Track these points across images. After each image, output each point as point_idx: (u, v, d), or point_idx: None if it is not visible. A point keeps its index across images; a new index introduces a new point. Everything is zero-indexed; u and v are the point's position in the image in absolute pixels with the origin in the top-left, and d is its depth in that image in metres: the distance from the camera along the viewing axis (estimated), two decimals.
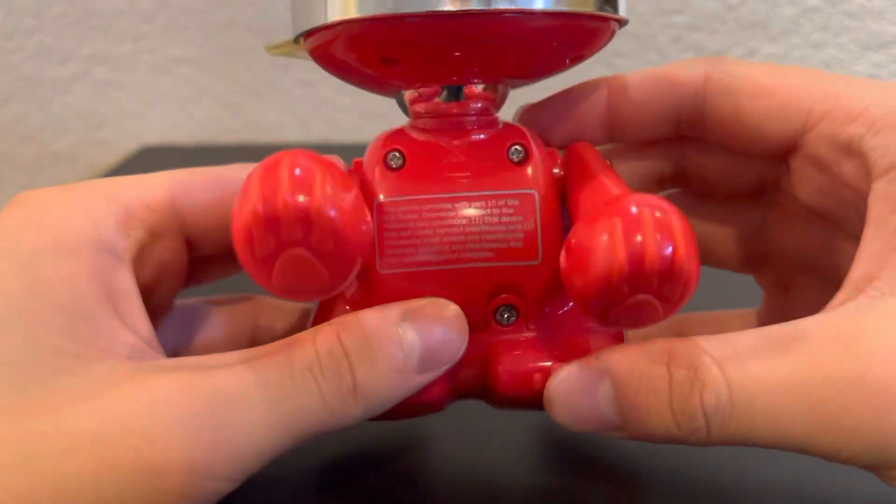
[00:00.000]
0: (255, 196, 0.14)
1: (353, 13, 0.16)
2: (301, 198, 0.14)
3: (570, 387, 0.17)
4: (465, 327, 0.17)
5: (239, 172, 0.20)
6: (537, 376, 0.18)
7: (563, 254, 0.16)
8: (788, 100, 0.19)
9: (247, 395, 0.15)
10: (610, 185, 0.18)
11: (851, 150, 0.18)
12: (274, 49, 0.20)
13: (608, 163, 0.19)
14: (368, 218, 0.16)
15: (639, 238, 0.14)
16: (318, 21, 0.17)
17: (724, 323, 0.23)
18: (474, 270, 0.18)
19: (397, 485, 0.21)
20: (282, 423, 0.15)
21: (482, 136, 0.19)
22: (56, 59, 0.54)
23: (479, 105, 0.19)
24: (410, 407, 0.18)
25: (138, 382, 0.15)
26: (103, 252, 0.17)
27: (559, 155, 0.19)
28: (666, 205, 0.15)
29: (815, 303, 0.18)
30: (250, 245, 0.14)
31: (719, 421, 0.15)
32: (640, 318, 0.15)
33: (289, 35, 0.19)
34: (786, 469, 0.21)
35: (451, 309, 0.17)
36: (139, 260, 0.18)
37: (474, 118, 0.19)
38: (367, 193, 0.18)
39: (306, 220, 0.14)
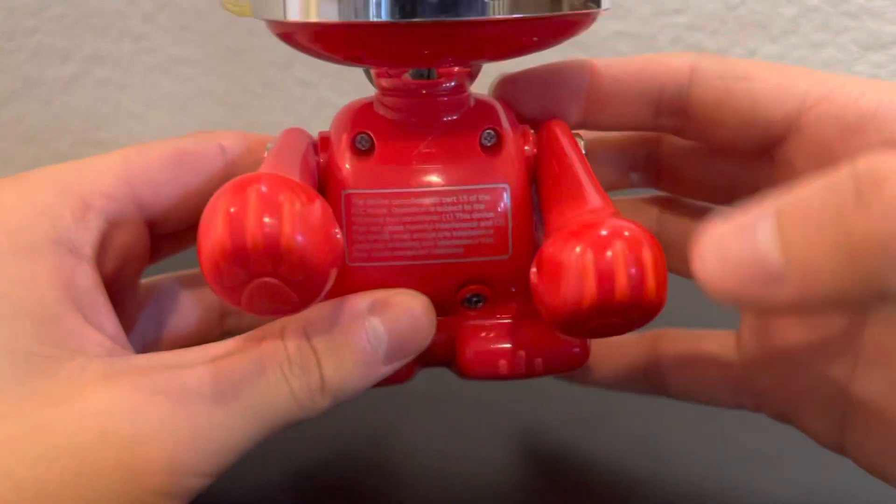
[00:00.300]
0: (221, 228, 0.14)
1: (312, 17, 0.15)
2: (269, 231, 0.13)
3: (724, 232, 0.13)
4: (433, 318, 0.17)
5: (193, 144, 0.19)
6: (502, 362, 0.18)
7: (534, 268, 0.16)
8: (783, 82, 0.18)
9: (220, 395, 0.15)
10: (586, 189, 0.17)
11: (855, 129, 0.17)
12: (230, 6, 0.19)
13: (581, 147, 0.19)
14: (339, 236, 0.15)
15: (610, 271, 0.14)
16: (276, 16, 0.16)
17: (700, 340, 0.22)
18: (444, 265, 0.18)
19: (367, 477, 0.21)
20: (255, 419, 0.16)
21: (454, 118, 0.18)
22: (56, 59, 0.54)
23: (452, 84, 0.18)
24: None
25: (113, 383, 0.15)
26: (63, 251, 0.17)
27: (531, 134, 0.19)
28: (639, 233, 0.15)
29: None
30: (219, 275, 0.14)
31: (830, 225, 0.12)
32: (604, 334, 0.15)
33: None
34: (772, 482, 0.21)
35: (419, 300, 0.17)
36: (101, 251, 0.18)
37: (446, 98, 0.18)
38: (335, 178, 0.18)
39: (275, 254, 0.14)
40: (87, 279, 0.17)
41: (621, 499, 0.21)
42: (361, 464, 0.22)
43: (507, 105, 0.19)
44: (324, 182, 0.18)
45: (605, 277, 0.14)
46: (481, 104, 0.19)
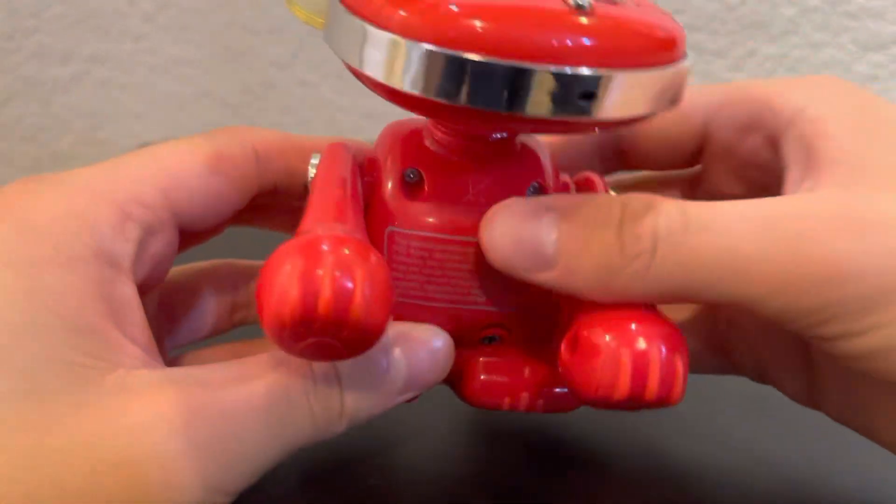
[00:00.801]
0: (295, 294, 0.14)
1: (394, 82, 0.15)
2: (341, 304, 0.14)
3: (516, 207, 0.16)
4: (452, 355, 0.18)
5: (227, 147, 0.19)
6: (506, 399, 0.19)
7: (565, 345, 0.17)
8: (687, 102, 0.20)
9: (252, 418, 0.16)
10: None
11: (751, 125, 0.20)
12: (298, 12, 0.18)
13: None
14: (393, 298, 0.15)
15: (644, 374, 0.15)
16: (351, 62, 0.16)
17: (674, 311, 0.24)
18: (472, 311, 0.18)
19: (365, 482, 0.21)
20: (278, 442, 0.16)
21: (502, 163, 0.18)
22: (56, 59, 0.54)
23: (505, 134, 0.18)
24: None
25: (156, 400, 0.15)
26: (103, 263, 0.17)
27: (571, 187, 0.20)
28: (671, 335, 0.16)
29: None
30: (281, 332, 0.14)
31: (668, 245, 0.15)
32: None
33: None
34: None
35: (442, 338, 0.18)
36: (137, 260, 0.18)
37: (497, 145, 0.18)
38: (380, 209, 0.18)
39: (343, 323, 0.14)
40: (125, 292, 0.17)
41: (624, 498, 0.21)
42: (362, 463, 0.22)
43: (550, 156, 0.19)
44: (367, 204, 0.18)
45: (639, 377, 0.15)
46: (528, 152, 0.19)
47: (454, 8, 0.14)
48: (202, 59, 0.53)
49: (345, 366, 0.16)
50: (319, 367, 0.16)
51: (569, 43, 0.14)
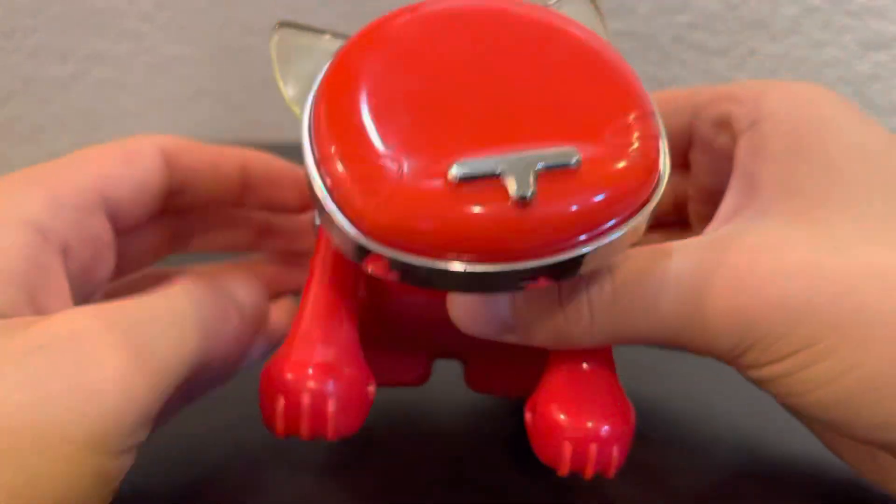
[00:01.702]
0: (280, 420, 0.18)
1: (351, 258, 0.16)
2: (318, 430, 0.18)
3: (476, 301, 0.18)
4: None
5: (139, 146, 0.21)
6: (502, 387, 0.21)
7: (528, 412, 0.19)
8: (678, 100, 0.22)
9: (158, 319, 0.17)
10: None
11: (723, 122, 0.21)
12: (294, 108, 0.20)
13: None
14: (371, 397, 0.19)
15: (583, 462, 0.18)
16: (337, 231, 0.16)
17: None
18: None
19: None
20: (179, 343, 0.17)
21: None
22: (55, 59, 0.53)
23: None
24: (396, 382, 0.22)
25: (49, 320, 0.16)
26: (32, 231, 0.17)
27: None
28: (615, 431, 0.18)
29: None
30: (272, 432, 0.18)
31: (602, 308, 0.17)
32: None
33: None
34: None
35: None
36: (72, 239, 0.19)
37: None
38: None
39: (322, 437, 0.18)
40: (54, 263, 0.18)
41: (625, 498, 0.20)
42: (364, 462, 0.21)
43: None
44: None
45: (578, 463, 0.18)
46: None
47: (405, 211, 0.15)
48: (201, 59, 0.53)
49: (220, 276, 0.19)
50: (193, 279, 0.18)
51: (508, 243, 0.15)
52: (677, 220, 0.25)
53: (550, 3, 0.20)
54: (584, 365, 0.19)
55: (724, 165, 0.21)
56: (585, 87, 0.17)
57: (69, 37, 0.53)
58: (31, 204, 0.18)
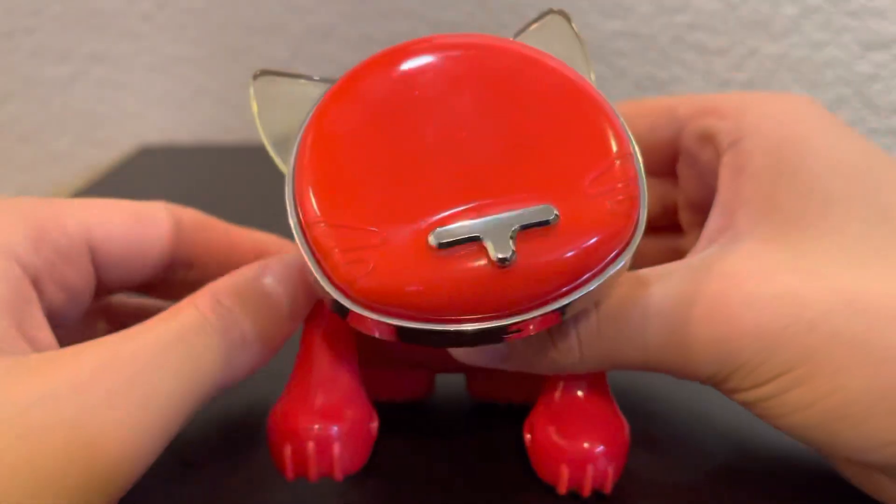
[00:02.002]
0: (288, 466, 0.19)
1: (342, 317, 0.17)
2: (325, 474, 0.19)
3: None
4: None
5: (154, 211, 0.21)
6: (502, 396, 0.22)
7: (527, 434, 0.20)
8: (664, 111, 0.23)
9: (155, 366, 0.16)
10: None
11: (707, 137, 0.21)
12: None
13: None
14: (374, 434, 0.20)
15: (580, 483, 0.19)
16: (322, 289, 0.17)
17: None
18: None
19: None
20: (189, 382, 0.16)
21: None
22: (55, 59, 0.53)
23: None
24: (401, 398, 0.23)
25: (53, 369, 0.15)
26: (11, 260, 0.17)
27: None
28: (610, 451, 0.19)
29: None
30: (283, 473, 0.19)
31: (589, 340, 0.18)
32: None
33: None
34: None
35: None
36: (48, 279, 0.18)
37: None
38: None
39: (330, 477, 0.19)
40: (30, 292, 0.18)
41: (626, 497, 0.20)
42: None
43: None
44: None
45: (575, 482, 0.19)
46: None
47: (388, 279, 0.16)
48: (201, 59, 0.53)
49: (230, 300, 0.18)
50: (204, 303, 0.17)
51: (491, 304, 0.16)
52: (668, 224, 0.25)
53: (531, 28, 0.19)
54: (579, 384, 0.20)
55: (709, 179, 0.21)
56: (562, 133, 0.17)
57: (69, 37, 0.53)
58: (13, 232, 0.18)
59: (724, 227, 0.19)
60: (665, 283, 0.18)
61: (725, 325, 0.17)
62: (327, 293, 0.16)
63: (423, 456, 0.22)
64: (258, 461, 0.21)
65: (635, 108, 0.23)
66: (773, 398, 0.17)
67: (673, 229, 0.25)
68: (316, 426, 0.18)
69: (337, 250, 0.16)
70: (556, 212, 0.16)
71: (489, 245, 0.15)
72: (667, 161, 0.23)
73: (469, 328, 0.16)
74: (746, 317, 0.17)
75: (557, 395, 0.20)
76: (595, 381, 0.20)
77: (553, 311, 0.16)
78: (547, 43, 0.19)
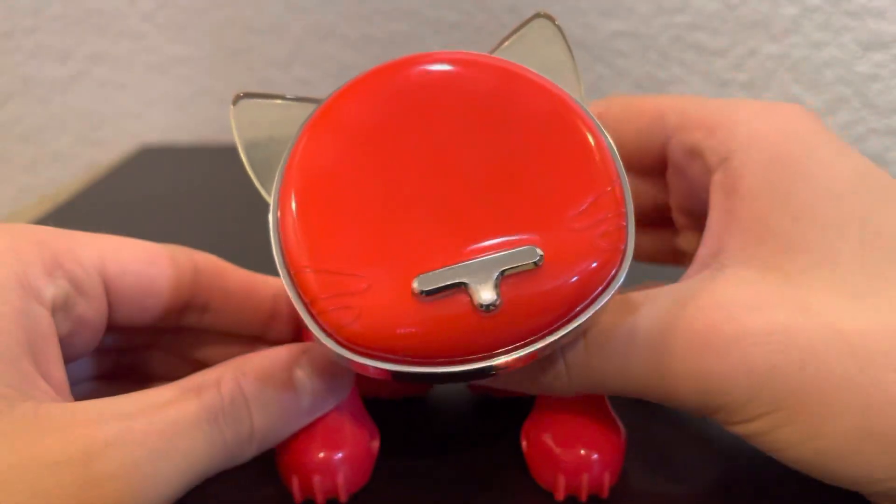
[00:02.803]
0: (296, 491, 0.19)
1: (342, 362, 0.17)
2: (330, 492, 0.19)
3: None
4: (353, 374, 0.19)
5: (169, 250, 0.20)
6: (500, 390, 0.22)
7: (524, 441, 0.21)
8: (653, 117, 0.22)
9: (165, 446, 0.16)
10: None
11: (695, 152, 0.21)
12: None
13: None
14: (375, 452, 0.20)
15: (578, 488, 0.20)
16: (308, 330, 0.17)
17: None
18: None
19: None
20: (190, 469, 0.16)
21: None
22: (55, 59, 0.53)
23: None
24: (402, 394, 0.23)
25: (68, 432, 0.15)
26: (27, 294, 0.17)
27: None
28: (606, 459, 0.19)
29: None
30: (292, 496, 0.19)
31: (577, 367, 0.18)
32: None
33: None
34: None
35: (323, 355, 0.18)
36: (61, 310, 0.18)
37: None
38: None
39: (336, 497, 0.19)
40: (46, 327, 0.17)
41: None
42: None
43: None
44: None
45: (572, 489, 0.19)
46: None
47: (375, 326, 0.16)
48: (201, 59, 0.53)
49: (251, 387, 0.17)
50: (228, 389, 0.17)
51: (476, 347, 0.16)
52: (662, 219, 0.24)
53: (519, 32, 0.19)
54: None
55: (699, 192, 0.21)
56: (549, 162, 0.17)
57: (69, 37, 0.53)
58: (29, 263, 0.17)
59: (716, 251, 0.19)
60: (652, 309, 0.18)
61: (712, 359, 0.17)
62: (317, 338, 0.16)
63: (424, 456, 0.22)
64: (257, 461, 0.21)
65: (626, 111, 0.22)
66: (764, 435, 0.17)
67: (666, 224, 0.25)
68: (320, 454, 0.19)
69: (323, 297, 0.16)
70: (540, 253, 0.16)
71: (473, 291, 0.15)
72: (656, 164, 0.23)
73: (457, 370, 0.16)
74: (734, 352, 0.17)
75: (553, 402, 0.20)
76: None
77: (540, 348, 0.16)
78: (535, 48, 0.19)
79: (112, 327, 0.20)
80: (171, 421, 0.16)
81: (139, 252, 0.20)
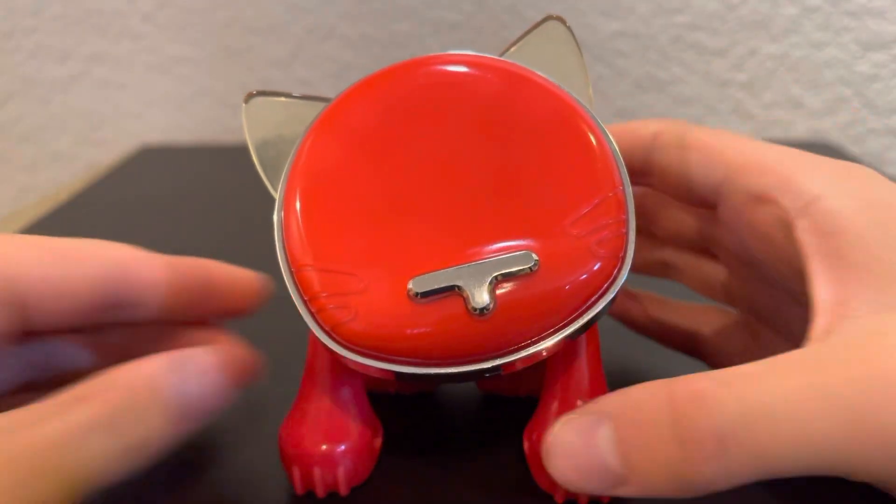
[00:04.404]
0: (298, 484, 0.19)
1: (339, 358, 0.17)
2: (329, 487, 0.19)
3: (569, 435, 0.16)
4: (227, 378, 0.18)
5: (84, 247, 0.19)
6: (508, 387, 0.22)
7: (526, 440, 0.20)
8: (711, 153, 0.20)
9: (42, 462, 0.15)
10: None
11: (763, 198, 0.19)
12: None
13: None
14: (377, 449, 0.20)
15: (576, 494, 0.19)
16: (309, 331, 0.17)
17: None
18: None
19: None
20: (70, 483, 0.15)
21: None
22: (55, 59, 0.53)
23: None
24: (410, 391, 0.23)
25: None
26: None
27: None
28: None
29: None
30: (294, 487, 0.19)
31: (734, 440, 0.14)
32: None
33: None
34: None
35: (209, 362, 0.17)
36: None
37: None
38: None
39: (337, 490, 0.19)
40: None
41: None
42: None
43: None
44: None
45: (571, 493, 0.18)
46: None
47: (372, 327, 0.16)
48: (201, 59, 0.53)
49: (121, 396, 0.17)
50: (99, 399, 0.16)
51: (470, 350, 0.16)
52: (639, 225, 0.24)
53: (530, 34, 0.19)
54: (576, 392, 0.20)
55: (755, 243, 0.20)
56: (551, 166, 0.17)
57: (69, 37, 0.53)
58: None
59: (841, 301, 0.16)
60: (822, 361, 0.15)
61: None
62: (314, 334, 0.16)
63: (426, 453, 0.22)
64: (258, 460, 0.21)
65: (676, 138, 0.21)
66: None
67: (640, 231, 0.24)
68: (322, 447, 0.19)
69: (323, 295, 0.16)
70: (535, 258, 0.16)
71: (468, 294, 0.16)
72: (703, 200, 0.21)
73: (451, 371, 0.16)
74: None
75: (555, 404, 0.20)
76: (593, 389, 0.20)
77: (531, 354, 0.16)
78: (544, 51, 0.19)
79: (31, 333, 0.19)
80: (48, 438, 0.15)
81: (43, 251, 0.19)
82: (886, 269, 0.16)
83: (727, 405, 0.14)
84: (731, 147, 0.20)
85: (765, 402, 0.14)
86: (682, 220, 0.24)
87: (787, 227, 0.18)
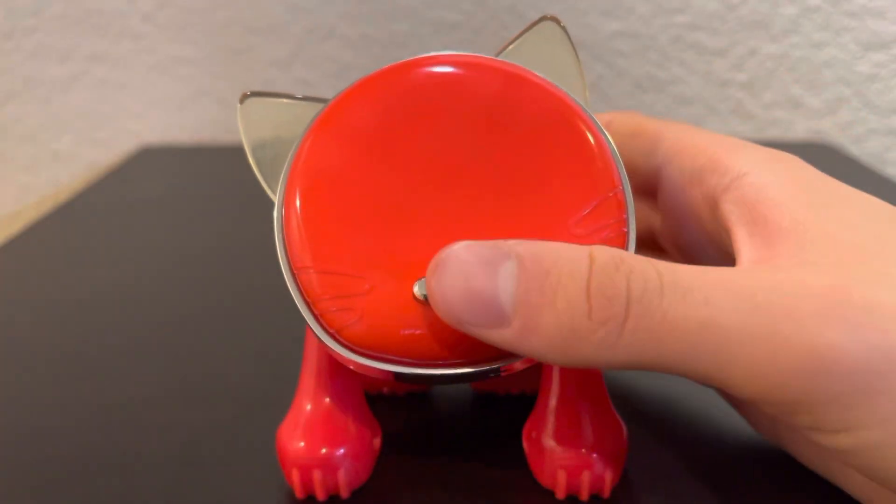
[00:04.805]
0: (298, 490, 0.19)
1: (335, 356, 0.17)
2: (330, 491, 0.19)
3: (470, 255, 0.14)
4: None
5: None
6: (503, 388, 0.22)
7: (525, 441, 0.20)
8: (653, 140, 0.21)
9: None
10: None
11: (693, 180, 0.19)
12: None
13: None
14: (377, 450, 0.20)
15: (577, 489, 0.19)
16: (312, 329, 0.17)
17: None
18: None
19: None
20: None
21: None
22: (55, 59, 0.53)
23: None
24: (405, 389, 0.23)
25: None
26: None
27: None
28: (606, 462, 0.19)
29: None
30: (294, 491, 0.19)
31: (642, 311, 0.13)
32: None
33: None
34: None
35: None
36: None
37: None
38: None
39: (337, 493, 0.19)
40: None
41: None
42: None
43: None
44: None
45: (573, 489, 0.19)
46: None
47: (375, 328, 0.16)
48: (201, 59, 0.53)
49: None
50: None
51: (479, 351, 0.16)
52: (647, 241, 0.24)
53: (524, 35, 0.19)
54: (575, 388, 0.20)
55: (689, 222, 0.20)
56: (552, 167, 0.17)
57: (69, 37, 0.53)
58: None
59: (766, 256, 0.16)
60: (747, 268, 0.15)
61: (839, 329, 0.13)
62: (318, 338, 0.16)
63: (425, 453, 0.22)
64: (257, 460, 0.21)
65: (626, 126, 0.22)
66: (878, 449, 0.13)
67: (650, 247, 0.24)
68: (322, 450, 0.19)
69: (325, 298, 0.16)
70: None
71: None
72: (644, 184, 0.22)
73: (456, 372, 0.16)
74: (869, 326, 0.13)
75: (553, 401, 0.20)
76: (591, 384, 0.20)
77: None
78: (540, 51, 0.19)
79: None
80: None
81: None
82: (810, 231, 0.16)
83: (649, 276, 0.14)
84: (670, 134, 0.21)
85: (683, 284, 0.14)
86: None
87: (713, 203, 0.18)
